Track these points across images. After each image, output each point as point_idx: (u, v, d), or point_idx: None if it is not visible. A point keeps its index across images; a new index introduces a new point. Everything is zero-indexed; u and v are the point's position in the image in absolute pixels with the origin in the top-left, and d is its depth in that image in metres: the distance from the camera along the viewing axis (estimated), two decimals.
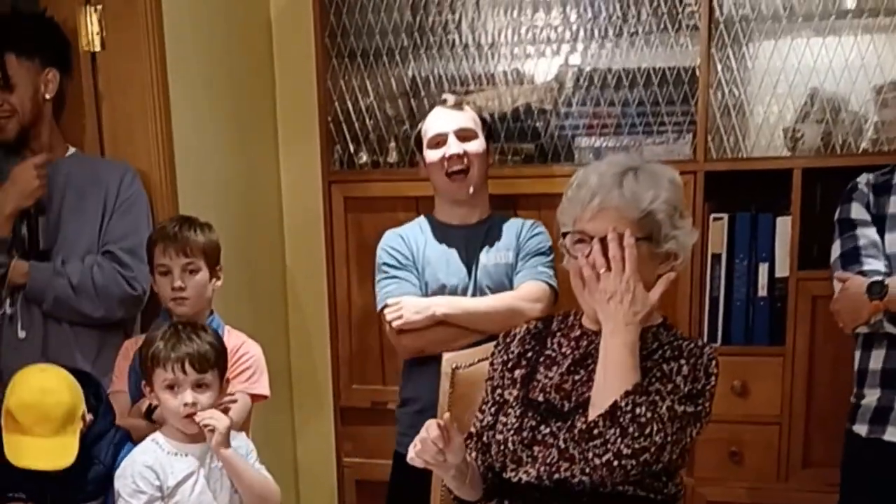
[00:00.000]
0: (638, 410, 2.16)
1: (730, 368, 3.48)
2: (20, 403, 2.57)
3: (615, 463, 2.17)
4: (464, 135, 3.19)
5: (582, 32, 3.59)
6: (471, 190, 3.19)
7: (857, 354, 2.99)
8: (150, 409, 2.90)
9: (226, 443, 2.64)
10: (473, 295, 3.22)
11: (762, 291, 3.51)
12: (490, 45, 3.66)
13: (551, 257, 3.23)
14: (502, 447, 2.36)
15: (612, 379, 2.20)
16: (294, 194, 4.14)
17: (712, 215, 3.52)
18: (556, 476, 2.25)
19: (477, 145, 3.21)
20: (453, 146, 3.17)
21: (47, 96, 3.17)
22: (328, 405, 4.10)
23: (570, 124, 3.65)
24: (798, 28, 3.41)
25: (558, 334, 2.47)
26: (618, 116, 3.59)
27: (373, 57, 3.77)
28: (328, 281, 3.93)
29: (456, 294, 3.21)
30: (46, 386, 2.60)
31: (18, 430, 2.58)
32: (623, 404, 2.16)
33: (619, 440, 2.16)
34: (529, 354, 2.46)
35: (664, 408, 2.18)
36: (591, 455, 2.19)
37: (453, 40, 3.68)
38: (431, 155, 3.22)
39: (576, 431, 2.22)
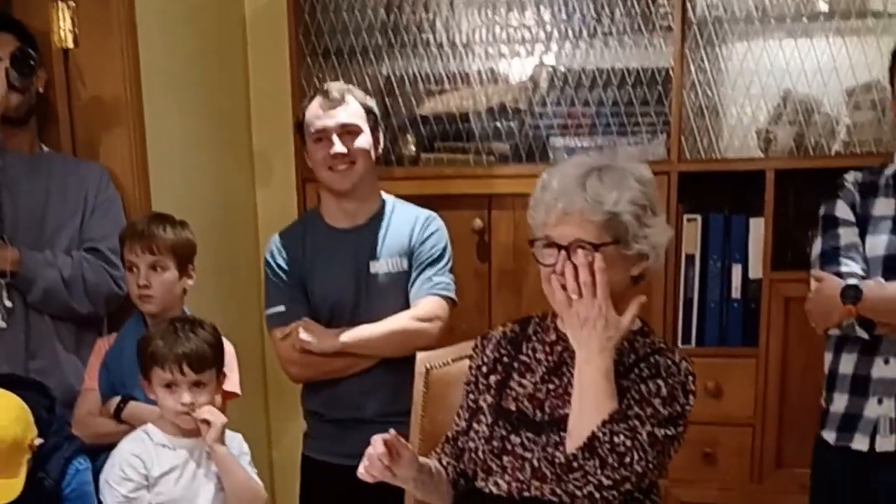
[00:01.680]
0: (616, 439, 2.15)
1: (703, 370, 3.49)
2: None
3: (597, 495, 2.17)
4: (347, 130, 3.13)
5: (556, 32, 3.63)
6: (352, 184, 3.15)
7: (828, 357, 3.02)
8: (119, 409, 2.97)
9: (221, 439, 2.71)
10: (365, 309, 3.18)
11: (735, 293, 3.58)
12: (464, 44, 3.70)
13: (446, 260, 3.23)
14: (473, 455, 2.37)
15: (588, 408, 2.19)
16: (268, 193, 4.18)
17: (686, 216, 3.57)
18: (526, 494, 2.28)
19: (362, 140, 3.15)
20: (337, 145, 3.11)
21: (40, 89, 3.25)
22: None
23: (545, 124, 3.68)
24: (771, 30, 3.47)
25: (534, 339, 2.45)
26: (592, 116, 3.64)
27: (347, 56, 3.80)
28: None
29: (345, 308, 3.17)
30: None
31: None
32: (601, 434, 2.15)
33: (598, 471, 2.16)
34: (505, 360, 2.44)
35: (644, 434, 2.17)
36: (571, 487, 2.19)
37: (427, 39, 3.72)
38: (314, 150, 3.16)
39: (556, 464, 2.21)
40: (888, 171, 2.99)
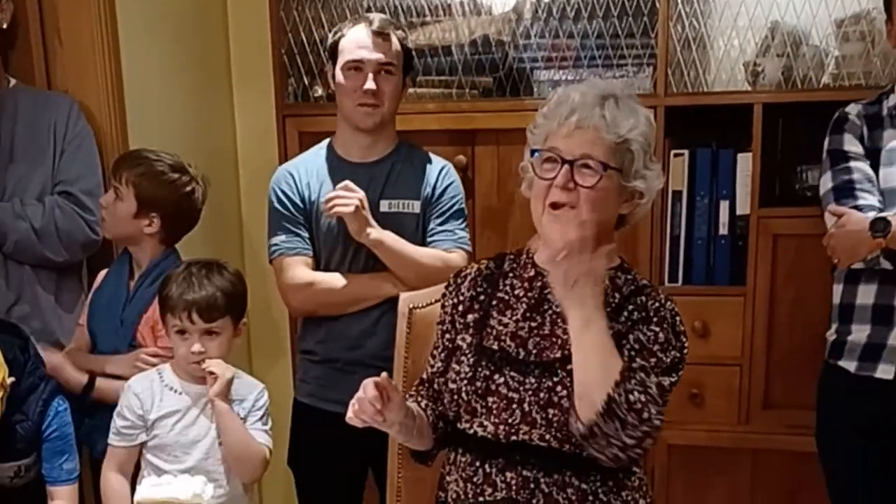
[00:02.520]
0: (632, 397, 2.14)
1: (691, 309, 3.53)
2: None
3: (622, 455, 2.18)
4: (385, 69, 3.13)
5: None
6: (374, 124, 3.16)
7: (839, 288, 3.07)
8: (90, 384, 3.04)
9: (223, 394, 2.74)
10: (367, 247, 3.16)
11: (723, 229, 3.58)
12: None
13: (465, 214, 3.26)
14: (455, 397, 2.38)
15: (596, 373, 2.17)
16: (248, 129, 4.18)
17: (673, 152, 3.57)
18: (514, 438, 2.30)
19: (394, 82, 3.17)
20: (370, 82, 3.10)
21: (4, 26, 3.23)
22: (286, 348, 4.17)
23: (529, 57, 3.68)
24: None
25: (510, 275, 2.47)
26: (577, 49, 3.62)
27: None
28: None
29: (349, 243, 3.15)
30: None
31: None
32: (617, 396, 2.13)
33: (620, 432, 2.15)
34: (482, 298, 2.45)
35: (654, 386, 2.19)
36: (595, 451, 2.20)
37: None
38: (343, 78, 3.15)
39: (577, 436, 2.21)
40: (889, 103, 3.02)
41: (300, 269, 3.18)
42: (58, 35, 3.36)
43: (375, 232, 3.08)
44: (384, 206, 3.18)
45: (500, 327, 2.39)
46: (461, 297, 2.48)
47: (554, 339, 2.33)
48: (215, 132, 4.12)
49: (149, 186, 3.04)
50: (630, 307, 2.32)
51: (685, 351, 2.32)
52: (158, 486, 2.42)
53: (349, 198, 3.00)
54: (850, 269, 2.99)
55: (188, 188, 3.10)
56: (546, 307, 2.37)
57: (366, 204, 3.05)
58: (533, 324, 2.37)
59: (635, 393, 2.15)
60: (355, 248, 3.16)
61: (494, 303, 2.44)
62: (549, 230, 2.31)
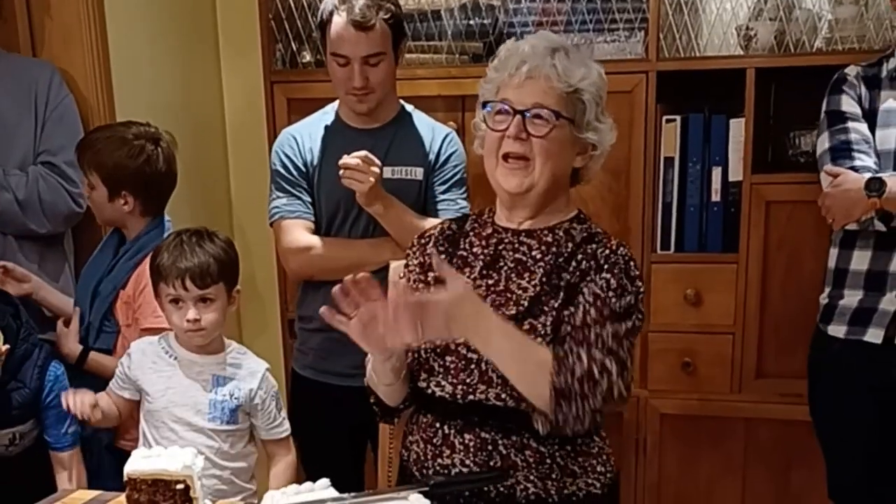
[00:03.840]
0: (578, 370, 2.16)
1: (683, 277, 3.61)
2: None
3: (599, 418, 2.22)
4: (370, 62, 3.09)
5: None
6: (368, 109, 3.16)
7: (834, 252, 3.09)
8: (82, 359, 3.06)
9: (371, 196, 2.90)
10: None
11: (715, 196, 3.58)
12: None
13: (467, 184, 3.26)
14: (415, 355, 2.42)
15: (525, 370, 2.20)
16: (236, 96, 4.20)
17: (665, 117, 3.57)
18: (472, 398, 2.32)
19: (383, 68, 3.12)
20: (357, 79, 3.08)
21: None
22: (275, 317, 4.18)
23: (519, 21, 3.67)
24: None
25: (471, 234, 2.50)
26: (567, 13, 3.62)
27: None
28: None
29: (350, 209, 3.17)
30: None
31: None
32: (562, 383, 2.16)
33: (586, 403, 2.16)
34: (443, 257, 2.46)
35: (609, 336, 2.20)
36: (571, 429, 2.21)
37: None
38: (333, 68, 3.13)
39: (551, 431, 2.24)
40: (890, 66, 3.04)
41: (300, 233, 3.19)
42: (43, 3, 3.35)
43: (381, 192, 3.08)
44: (387, 172, 3.16)
45: None
46: (426, 257, 2.51)
47: (509, 296, 2.35)
48: (203, 100, 4.12)
49: (108, 168, 3.03)
50: (580, 256, 2.34)
51: (640, 294, 2.32)
52: (148, 459, 2.42)
53: (367, 173, 2.98)
54: (845, 232, 3.01)
55: (145, 155, 3.06)
56: (501, 264, 2.40)
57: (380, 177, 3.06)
58: (490, 281, 2.39)
59: (578, 365, 2.16)
60: (356, 213, 3.17)
61: (454, 261, 2.46)
62: (504, 182, 2.35)
